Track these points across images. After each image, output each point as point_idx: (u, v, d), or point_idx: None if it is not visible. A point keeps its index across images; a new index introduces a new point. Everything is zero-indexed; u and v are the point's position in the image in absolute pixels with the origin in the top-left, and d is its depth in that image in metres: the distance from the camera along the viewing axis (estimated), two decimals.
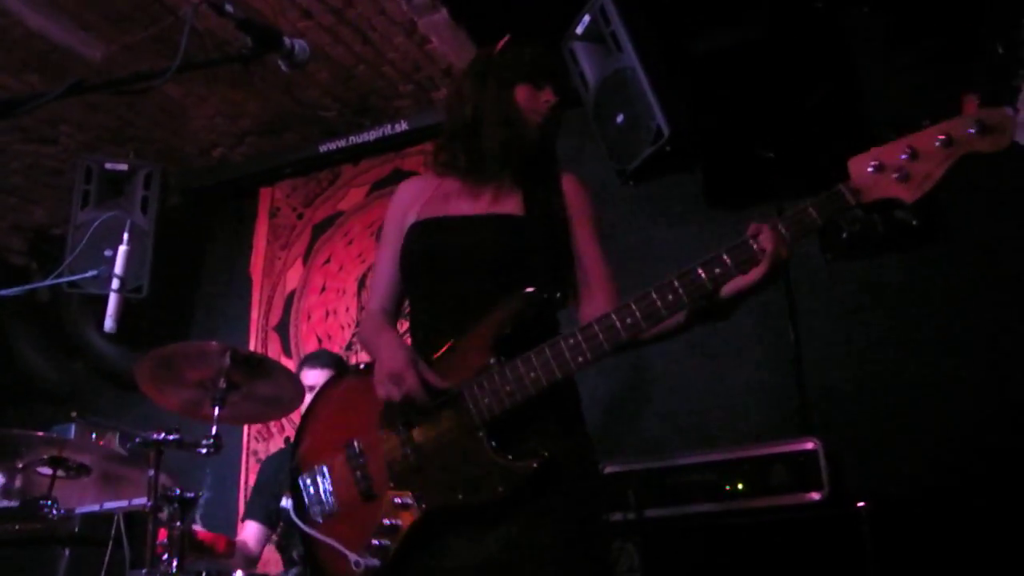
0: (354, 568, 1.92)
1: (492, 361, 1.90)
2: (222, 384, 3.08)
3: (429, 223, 2.12)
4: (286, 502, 3.43)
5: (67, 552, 3.79)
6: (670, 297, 1.80)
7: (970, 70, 3.63)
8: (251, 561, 3.56)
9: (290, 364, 4.85)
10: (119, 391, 5.30)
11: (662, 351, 4.02)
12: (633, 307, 1.82)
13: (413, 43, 4.63)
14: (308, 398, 2.85)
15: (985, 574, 3.09)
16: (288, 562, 3.57)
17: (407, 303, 2.20)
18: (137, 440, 2.92)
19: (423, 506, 1.90)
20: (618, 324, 1.83)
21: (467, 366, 1.93)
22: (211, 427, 3.04)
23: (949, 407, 3.49)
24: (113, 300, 2.92)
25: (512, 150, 2.11)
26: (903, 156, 1.74)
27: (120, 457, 3.31)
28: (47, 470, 3.20)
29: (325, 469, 2.05)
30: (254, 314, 5.45)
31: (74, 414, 3.42)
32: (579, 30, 3.88)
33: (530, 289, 1.92)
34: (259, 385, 3.18)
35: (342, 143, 5.22)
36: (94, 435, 3.85)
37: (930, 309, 3.67)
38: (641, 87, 3.64)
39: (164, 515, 2.84)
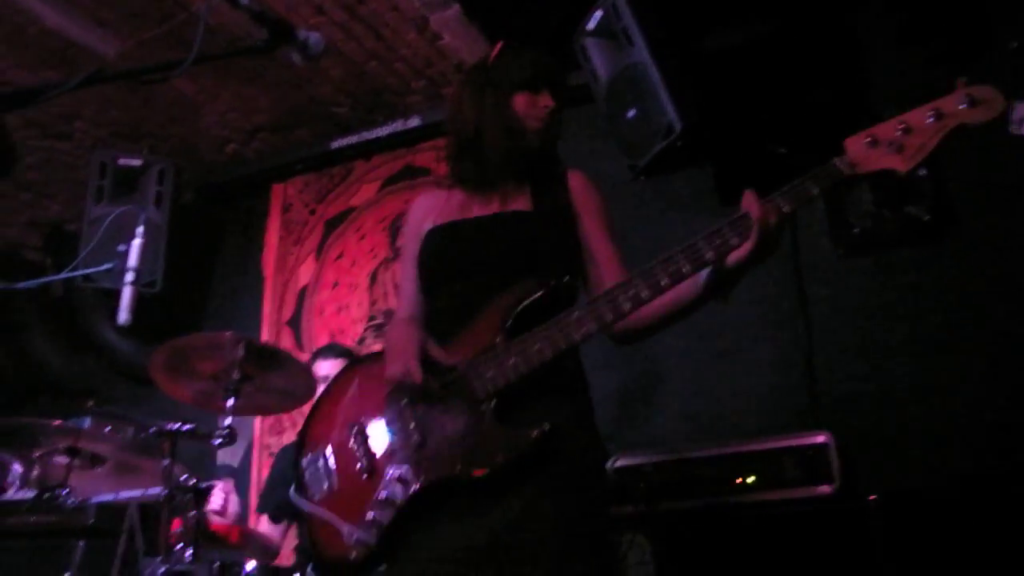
0: (347, 540, 1.92)
1: (499, 340, 1.92)
2: (236, 375, 3.10)
3: (444, 227, 2.17)
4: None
5: (81, 544, 3.84)
6: (672, 269, 1.84)
7: (980, 68, 3.63)
8: (272, 554, 3.56)
9: (302, 359, 4.86)
10: (132, 386, 5.33)
11: (673, 347, 4.03)
12: (637, 279, 1.86)
13: (425, 39, 4.65)
14: (320, 389, 2.87)
15: (996, 568, 3.08)
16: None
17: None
18: (152, 430, 2.95)
19: (421, 479, 1.90)
20: (621, 296, 1.86)
21: (475, 345, 1.95)
22: (224, 418, 3.06)
23: (960, 401, 3.49)
24: (127, 293, 2.93)
25: (515, 158, 2.14)
26: (897, 132, 1.82)
27: (135, 447, 3.33)
28: (63, 459, 3.23)
29: (328, 449, 2.07)
30: (266, 309, 5.48)
31: (91, 403, 3.45)
32: (590, 25, 3.89)
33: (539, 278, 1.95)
34: (272, 377, 3.21)
35: (354, 139, 5.25)
36: (108, 428, 3.87)
37: (942, 304, 3.67)
38: (653, 82, 3.65)
39: (179, 503, 2.87)
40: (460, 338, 1.98)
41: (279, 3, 4.27)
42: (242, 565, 2.83)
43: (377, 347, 3.40)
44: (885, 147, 1.82)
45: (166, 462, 2.91)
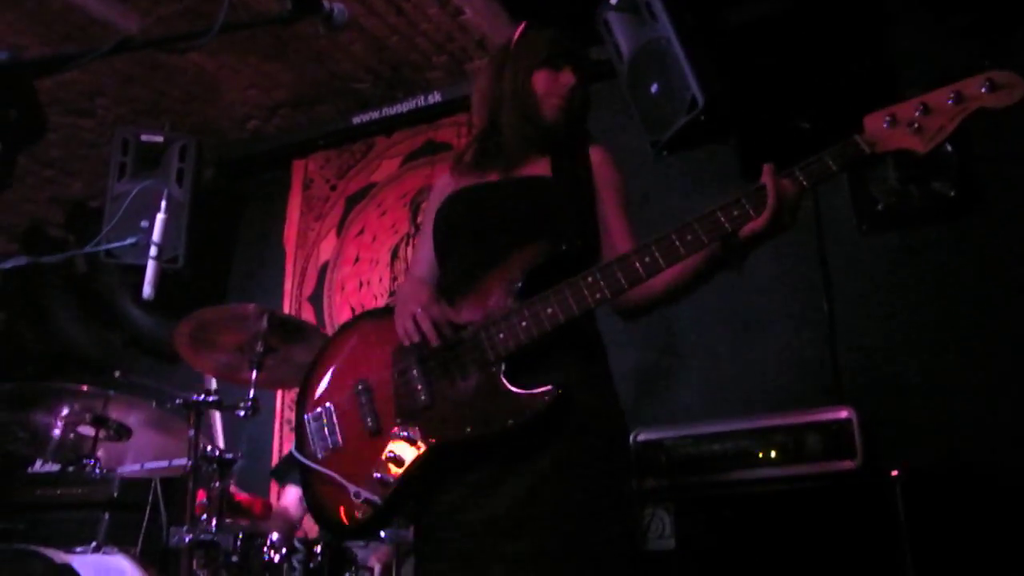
0: (353, 499, 1.90)
1: (509, 302, 1.91)
2: (259, 348, 3.12)
3: (460, 191, 2.19)
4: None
5: (107, 516, 3.89)
6: (689, 237, 1.83)
7: (1010, 44, 3.59)
8: (292, 526, 3.60)
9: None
10: (155, 361, 5.39)
11: (695, 322, 4.03)
12: (652, 246, 1.85)
13: (447, 14, 4.63)
14: None
15: (1019, 544, 3.07)
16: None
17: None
18: (177, 401, 2.97)
19: (430, 440, 1.88)
20: (637, 262, 1.85)
21: (485, 306, 1.93)
22: (248, 390, 3.09)
23: (984, 377, 3.47)
24: (151, 267, 2.95)
25: (532, 136, 2.15)
26: (917, 112, 1.82)
27: (160, 418, 3.37)
28: (90, 430, 3.27)
29: (331, 406, 2.05)
30: (288, 285, 5.50)
31: (118, 373, 3.48)
32: (613, 0, 3.87)
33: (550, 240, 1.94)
34: (295, 350, 3.22)
35: (375, 115, 5.24)
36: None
37: (966, 280, 3.64)
38: (676, 57, 3.62)
39: (204, 473, 2.89)
40: (470, 299, 1.97)
41: None
42: (267, 535, 2.85)
43: None
44: (904, 127, 1.82)
45: (191, 433, 2.93)
